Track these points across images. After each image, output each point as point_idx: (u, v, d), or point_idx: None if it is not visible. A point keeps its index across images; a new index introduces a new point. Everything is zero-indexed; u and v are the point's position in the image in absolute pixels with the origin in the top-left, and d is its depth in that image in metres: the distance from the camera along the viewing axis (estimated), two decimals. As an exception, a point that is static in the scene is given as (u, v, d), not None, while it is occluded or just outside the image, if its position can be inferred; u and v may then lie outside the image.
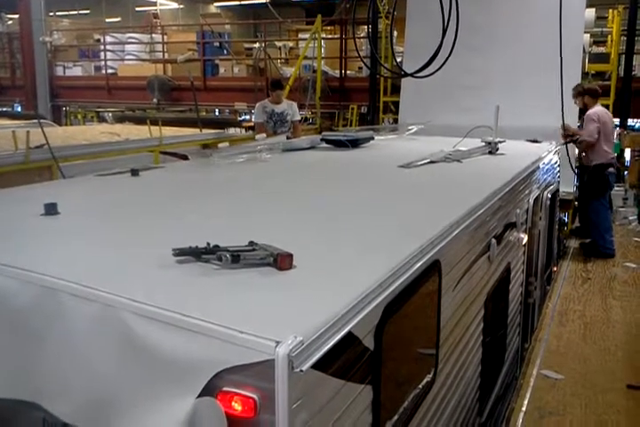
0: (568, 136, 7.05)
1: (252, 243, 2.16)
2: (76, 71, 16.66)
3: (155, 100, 14.27)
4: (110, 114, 16.17)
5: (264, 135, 7.48)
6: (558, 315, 5.62)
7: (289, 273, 2.03)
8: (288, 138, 7.10)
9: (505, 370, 4.64)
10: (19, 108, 16.60)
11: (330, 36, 14.82)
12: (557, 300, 6.03)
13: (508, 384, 4.63)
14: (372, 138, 6.03)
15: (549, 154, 6.43)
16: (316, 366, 1.61)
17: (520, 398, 4.07)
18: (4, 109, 16.48)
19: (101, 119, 16.40)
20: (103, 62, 16.11)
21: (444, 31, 5.34)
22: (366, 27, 12.13)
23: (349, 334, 1.79)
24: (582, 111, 7.40)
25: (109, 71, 15.86)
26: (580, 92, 7.28)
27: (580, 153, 7.43)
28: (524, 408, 3.92)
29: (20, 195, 3.46)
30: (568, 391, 4.16)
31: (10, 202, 3.18)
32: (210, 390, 1.60)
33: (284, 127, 8.37)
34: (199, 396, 1.60)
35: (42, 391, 1.86)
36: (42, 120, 11.67)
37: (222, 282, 1.95)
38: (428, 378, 2.73)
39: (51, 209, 2.75)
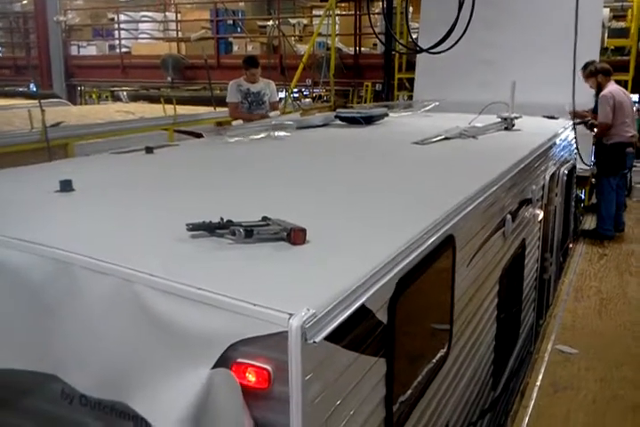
0: (579, 121, 6.90)
1: (265, 218, 2.17)
2: (91, 50, 16.63)
3: (169, 78, 14.24)
4: (125, 93, 16.19)
5: (240, 122, 6.81)
6: (574, 291, 5.60)
7: (302, 248, 2.04)
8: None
9: (519, 345, 4.66)
10: (34, 88, 16.64)
11: (344, 13, 14.63)
12: (573, 276, 6.00)
13: (522, 359, 4.65)
14: (386, 115, 5.99)
15: (566, 130, 6.35)
16: (329, 338, 1.62)
17: (534, 373, 4.07)
18: (20, 89, 16.54)
19: (116, 98, 16.42)
20: (117, 41, 16.07)
21: (460, 5, 5.27)
22: (381, 3, 11.96)
23: (362, 307, 1.81)
24: (598, 90, 7.23)
25: (123, 50, 15.82)
26: (591, 72, 7.10)
27: (597, 134, 7.29)
28: (538, 383, 3.93)
29: (35, 172, 3.49)
30: (583, 366, 4.16)
31: (25, 179, 3.21)
32: (224, 361, 1.62)
33: (261, 109, 7.53)
34: (214, 367, 1.63)
35: (60, 364, 1.90)
36: (57, 99, 11.76)
37: (236, 256, 1.97)
38: (441, 352, 2.75)
39: (66, 186, 2.77)
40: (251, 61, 7.56)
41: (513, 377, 4.34)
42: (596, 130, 7.09)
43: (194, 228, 2.11)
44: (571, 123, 6.61)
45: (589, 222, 7.81)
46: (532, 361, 4.32)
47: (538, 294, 5.23)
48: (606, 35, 10.18)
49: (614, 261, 6.42)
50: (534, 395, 3.80)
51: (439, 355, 2.73)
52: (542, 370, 4.10)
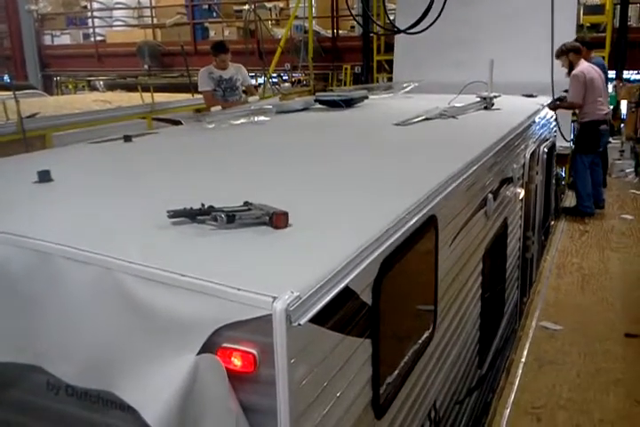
0: (552, 101, 6.91)
1: (247, 203, 2.16)
2: (65, 40, 16.37)
3: (145, 66, 14.07)
4: (101, 82, 15.97)
5: (219, 107, 6.52)
6: (556, 268, 5.66)
7: (285, 231, 2.03)
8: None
9: (504, 323, 4.71)
10: (8, 79, 16.35)
11: (321, -5, 14.51)
12: (555, 253, 6.07)
13: (507, 337, 4.70)
14: (366, 97, 5.97)
15: (545, 108, 6.38)
16: (313, 320, 1.63)
17: (519, 350, 4.13)
18: (-5, 81, 16.26)
19: (93, 88, 16.19)
20: (91, 30, 15.81)
21: (436, -16, 5.24)
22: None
23: (347, 288, 1.81)
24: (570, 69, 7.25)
25: (98, 38, 15.58)
26: (562, 51, 7.11)
27: (572, 111, 7.34)
28: (523, 359, 3.99)
29: (13, 164, 3.45)
30: (567, 341, 4.22)
31: (3, 171, 3.16)
32: (210, 346, 1.62)
33: (235, 95, 7.37)
34: (199, 353, 1.63)
35: (44, 355, 1.89)
36: (32, 90, 11.57)
37: (218, 242, 1.96)
38: (427, 332, 2.77)
39: (44, 176, 2.74)
40: (219, 47, 7.29)
41: (499, 355, 4.40)
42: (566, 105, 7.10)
43: (175, 214, 2.10)
44: (550, 101, 6.65)
45: (570, 200, 7.88)
46: (517, 338, 4.37)
47: (521, 272, 5.29)
48: (582, 11, 10.20)
49: (595, 238, 6.50)
50: (519, 371, 3.85)
51: (424, 335, 2.75)
52: (527, 346, 4.16)
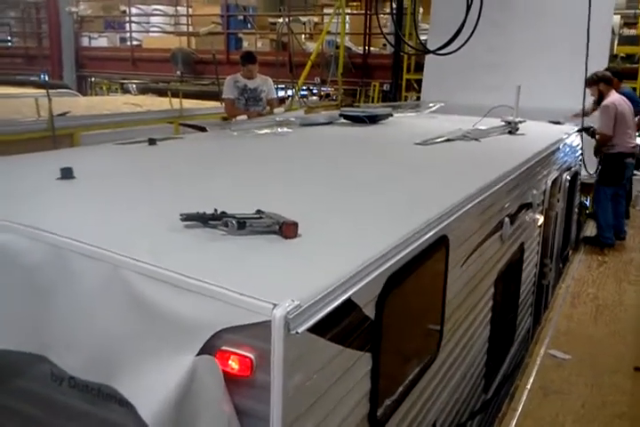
0: (581, 128, 6.86)
1: (259, 211, 2.19)
2: (102, 42, 16.71)
3: (178, 72, 14.28)
4: (134, 85, 16.23)
5: (245, 117, 6.59)
6: (571, 297, 5.60)
7: (293, 241, 2.06)
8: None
9: (515, 349, 4.67)
10: (45, 78, 16.70)
11: (355, 12, 14.64)
12: (571, 282, 6.00)
13: (517, 363, 4.65)
14: (391, 115, 6.00)
15: (571, 136, 6.35)
16: (312, 330, 1.65)
17: (525, 377, 4.08)
18: (32, 78, 16.60)
19: (125, 91, 16.47)
20: (128, 34, 16.12)
21: (468, 8, 5.28)
22: (390, 3, 11.96)
23: (349, 301, 1.83)
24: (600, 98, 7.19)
25: (134, 43, 15.88)
26: (593, 80, 7.07)
27: (598, 144, 7.26)
28: (528, 386, 3.94)
29: (38, 160, 3.53)
30: (574, 371, 4.16)
31: (28, 166, 3.24)
32: (209, 348, 1.65)
33: (258, 106, 7.29)
34: (198, 354, 1.65)
35: (50, 345, 1.94)
36: (66, 90, 11.81)
37: (226, 247, 1.99)
38: (430, 351, 2.77)
39: (67, 173, 2.81)
40: (248, 57, 7.32)
41: (507, 380, 4.35)
42: (597, 137, 7.06)
43: (187, 218, 2.14)
44: (576, 129, 6.61)
45: (591, 229, 7.80)
46: (524, 365, 4.32)
47: (536, 298, 5.24)
48: (616, 42, 10.16)
49: (613, 269, 6.42)
50: (524, 398, 3.80)
51: (428, 353, 2.74)
52: (533, 373, 4.11)
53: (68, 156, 3.87)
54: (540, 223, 4.98)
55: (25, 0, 17.86)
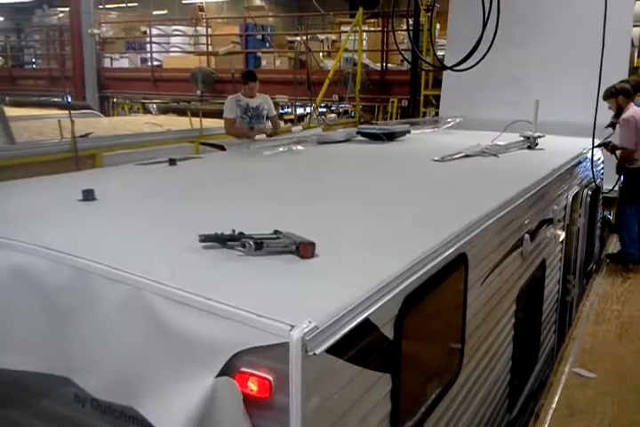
0: (600, 143, 6.75)
1: (276, 231, 2.20)
2: (123, 63, 16.99)
3: (198, 91, 14.46)
4: (155, 105, 16.46)
5: (264, 136, 6.75)
6: (595, 314, 5.51)
7: (311, 261, 2.06)
8: (269, 135, 6.70)
9: (539, 367, 4.59)
10: (69, 99, 17.01)
11: (372, 29, 14.75)
12: (595, 299, 5.90)
13: (542, 382, 4.57)
14: (408, 131, 6.01)
15: (591, 151, 6.29)
16: (330, 351, 1.64)
17: (550, 396, 4.01)
18: (55, 100, 16.92)
19: (147, 110, 16.70)
20: (149, 54, 16.39)
21: (485, 24, 5.28)
22: (407, 20, 12.03)
23: (367, 321, 1.82)
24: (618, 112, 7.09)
25: (155, 63, 16.12)
26: (612, 93, 6.98)
27: (621, 159, 7.14)
28: (553, 405, 3.87)
29: (61, 181, 3.58)
30: (600, 390, 4.08)
31: (51, 188, 3.30)
32: (228, 370, 1.66)
33: (261, 124, 7.34)
34: (218, 375, 1.66)
35: (73, 367, 1.96)
36: (89, 111, 12.01)
37: (244, 268, 2.00)
38: (452, 371, 2.74)
39: (88, 195, 2.85)
40: (249, 75, 7.36)
41: (532, 399, 4.28)
42: (618, 153, 6.96)
43: (206, 239, 2.15)
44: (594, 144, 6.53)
45: (614, 244, 7.69)
46: (549, 383, 4.25)
47: (559, 315, 5.16)
48: (636, 54, 10.09)
49: (638, 286, 6.30)
50: (549, 417, 3.74)
51: (449, 374, 2.71)
52: (558, 392, 4.04)
53: (90, 177, 3.93)
54: (561, 239, 4.92)
55: (49, 23, 18.29)
